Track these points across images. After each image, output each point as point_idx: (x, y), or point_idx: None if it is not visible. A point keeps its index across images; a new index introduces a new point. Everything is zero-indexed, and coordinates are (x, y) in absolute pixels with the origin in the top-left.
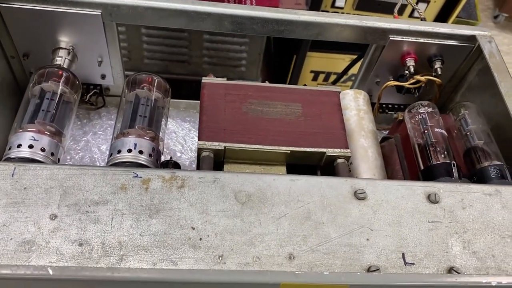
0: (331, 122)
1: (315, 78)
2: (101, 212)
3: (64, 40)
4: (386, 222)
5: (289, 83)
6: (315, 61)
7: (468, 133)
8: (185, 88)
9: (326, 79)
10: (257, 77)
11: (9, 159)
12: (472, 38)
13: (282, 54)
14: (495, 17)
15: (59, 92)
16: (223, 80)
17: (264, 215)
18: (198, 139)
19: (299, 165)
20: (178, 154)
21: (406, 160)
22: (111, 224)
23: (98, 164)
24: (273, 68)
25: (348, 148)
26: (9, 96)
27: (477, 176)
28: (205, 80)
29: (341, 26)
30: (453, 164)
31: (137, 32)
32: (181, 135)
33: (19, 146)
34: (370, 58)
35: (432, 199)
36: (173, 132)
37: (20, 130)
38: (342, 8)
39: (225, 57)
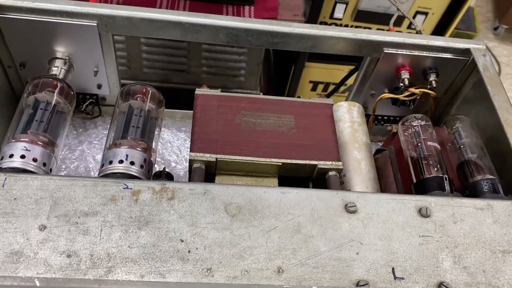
0: (324, 135)
1: (314, 88)
2: (90, 224)
3: (61, 50)
4: (377, 236)
5: (287, 93)
6: (314, 71)
7: (462, 146)
8: (183, 97)
9: (325, 89)
10: (256, 87)
11: (1, 169)
12: (467, 51)
13: (281, 64)
14: (495, 28)
15: (53, 102)
16: (217, 92)
17: (254, 228)
18: (190, 151)
19: (291, 177)
20: (173, 164)
21: (400, 172)
22: (100, 236)
23: (92, 174)
24: (272, 78)
25: (340, 161)
26: (5, 105)
27: (469, 190)
28: (198, 91)
29: (335, 38)
30: (445, 178)
31: (136, 41)
32: (176, 145)
33: (11, 156)
34: (365, 71)
35: (423, 213)
36: (168, 142)
37: (13, 140)
38: (340, 19)
39: (224, 67)
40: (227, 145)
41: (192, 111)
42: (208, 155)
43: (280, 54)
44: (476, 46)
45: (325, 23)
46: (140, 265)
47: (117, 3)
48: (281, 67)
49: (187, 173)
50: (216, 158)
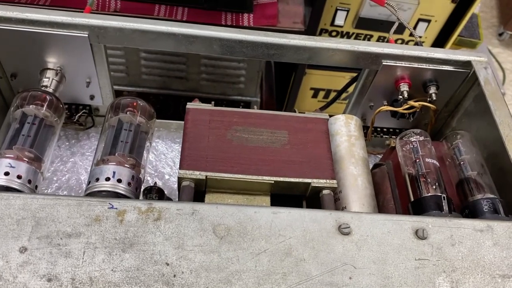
0: (318, 151)
1: (315, 95)
2: (73, 245)
3: (52, 61)
4: (371, 259)
5: (288, 100)
6: (315, 78)
7: (462, 162)
8: (183, 104)
9: (326, 96)
10: (256, 94)
11: None
12: (467, 64)
13: (282, 71)
14: (500, 34)
15: (40, 116)
16: (209, 106)
17: (243, 250)
18: (179, 168)
19: (284, 195)
20: (167, 177)
21: (398, 188)
22: (83, 258)
23: (84, 186)
24: (272, 85)
25: (334, 179)
26: None
27: (469, 209)
28: (189, 105)
29: (332, 50)
30: (443, 197)
31: (135, 48)
32: (170, 157)
33: None
34: (363, 82)
35: (420, 235)
36: (162, 154)
37: None
38: (341, 26)
39: (223, 74)
40: (218, 162)
41: None
42: (198, 172)
43: (281, 62)
44: (477, 59)
45: (326, 30)
46: None
47: (115, 10)
48: (282, 74)
49: None
50: (206, 176)
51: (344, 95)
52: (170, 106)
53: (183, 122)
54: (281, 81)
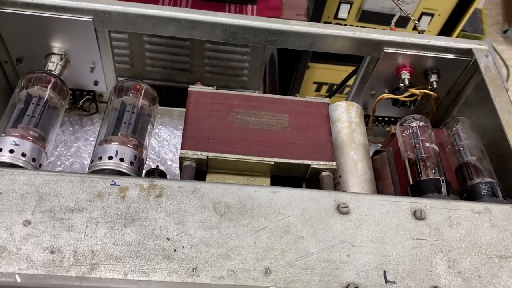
0: (318, 134)
1: (318, 89)
2: (75, 220)
3: (57, 45)
4: (369, 238)
5: (290, 94)
6: (319, 72)
7: (461, 148)
8: (186, 96)
9: (329, 90)
10: (259, 87)
11: None
12: (469, 52)
13: (285, 64)
14: (504, 31)
15: (45, 97)
16: (210, 89)
17: (243, 227)
18: (181, 148)
19: (284, 177)
20: (169, 163)
21: (397, 174)
22: (85, 232)
23: (74, 171)
24: (276, 79)
25: (334, 161)
26: (2, 100)
27: (468, 193)
28: (192, 88)
29: (333, 37)
30: (442, 180)
31: (139, 39)
32: (172, 143)
33: (0, 150)
34: (364, 70)
35: (418, 215)
36: (165, 140)
37: (3, 135)
38: (345, 19)
39: (227, 66)
40: (219, 143)
41: None
42: (199, 152)
43: (285, 55)
44: (479, 47)
45: (330, 23)
46: (124, 263)
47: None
48: (285, 68)
49: None
50: (207, 156)
51: (346, 89)
52: (174, 98)
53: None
54: (284, 75)
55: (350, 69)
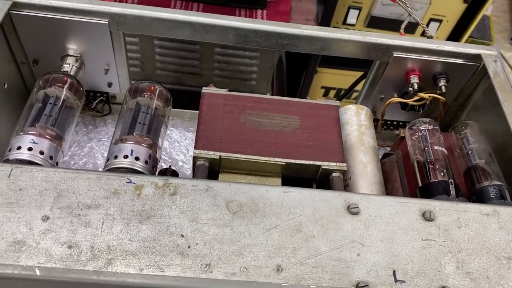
0: (329, 136)
1: (326, 94)
2: (92, 216)
3: (72, 47)
4: (378, 238)
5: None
6: (326, 77)
7: (470, 152)
8: (195, 99)
9: (337, 95)
10: (267, 91)
11: (8, 161)
12: (478, 57)
13: (293, 69)
14: None
15: (62, 97)
16: (223, 91)
17: (255, 225)
18: (194, 148)
19: (295, 177)
20: (180, 164)
21: (406, 177)
22: (102, 228)
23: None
24: (284, 83)
25: (344, 162)
26: (17, 100)
27: (476, 195)
28: (205, 90)
29: (344, 41)
30: (451, 182)
31: (150, 43)
32: (184, 144)
33: (18, 148)
34: (374, 74)
35: (427, 216)
36: (176, 142)
37: (21, 133)
38: (353, 25)
39: (236, 70)
40: (232, 143)
41: None
42: (212, 152)
43: (293, 59)
44: (487, 52)
45: (332, 28)
46: (140, 258)
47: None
48: (293, 72)
49: None
50: (220, 156)
51: (354, 94)
52: (183, 101)
53: (197, 111)
54: (292, 79)
55: (358, 74)
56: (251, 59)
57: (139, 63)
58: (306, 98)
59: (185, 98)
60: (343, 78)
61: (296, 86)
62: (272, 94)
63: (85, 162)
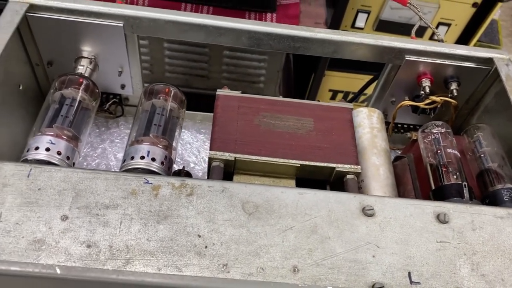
0: (342, 138)
1: (333, 97)
2: (110, 216)
3: (87, 49)
4: (393, 239)
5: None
6: (334, 80)
7: (482, 155)
8: (203, 102)
9: (344, 98)
10: (275, 94)
11: (26, 161)
12: (489, 61)
13: (301, 72)
14: None
15: (78, 98)
16: (237, 93)
17: (271, 226)
18: (210, 149)
19: (309, 179)
20: (192, 165)
21: (418, 180)
22: (120, 228)
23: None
24: (291, 86)
25: (358, 165)
26: (32, 101)
27: (489, 198)
28: (219, 92)
29: (356, 44)
30: (464, 185)
31: (159, 46)
32: (195, 146)
33: (36, 148)
34: (385, 78)
35: (441, 219)
36: (188, 143)
37: (39, 134)
38: (362, 28)
39: (244, 73)
40: (246, 144)
41: (211, 114)
42: (227, 154)
43: (301, 62)
44: (499, 56)
45: (344, 31)
46: (158, 258)
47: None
48: (301, 75)
49: (205, 174)
50: (235, 157)
51: (362, 97)
52: (191, 103)
53: (208, 113)
54: (299, 82)
55: (365, 77)
56: (260, 62)
57: (148, 65)
58: (319, 100)
59: (193, 101)
60: (350, 81)
61: (304, 89)
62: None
63: (98, 163)
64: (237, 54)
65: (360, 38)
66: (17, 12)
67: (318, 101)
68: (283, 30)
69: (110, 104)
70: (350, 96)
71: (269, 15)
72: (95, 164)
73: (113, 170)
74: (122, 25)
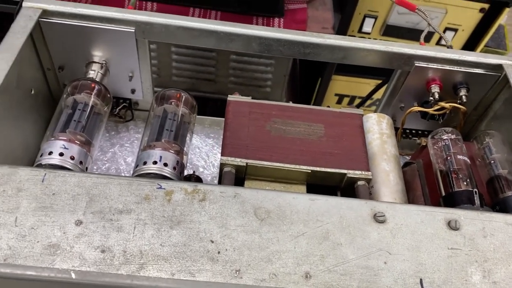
0: (353, 144)
1: (339, 101)
2: (124, 221)
3: (98, 54)
4: (405, 246)
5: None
6: (340, 84)
7: (492, 161)
8: (209, 106)
9: (350, 103)
10: (282, 98)
11: (40, 165)
12: (499, 67)
13: (307, 76)
14: None
15: (90, 103)
16: (248, 99)
17: (283, 232)
18: (221, 155)
19: (319, 185)
20: (201, 169)
21: (427, 186)
22: (133, 233)
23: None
24: (297, 90)
25: (369, 171)
26: (43, 106)
27: (499, 205)
28: (230, 98)
29: (366, 50)
30: (475, 192)
31: (167, 50)
32: (204, 150)
33: (50, 153)
34: (395, 83)
35: (452, 225)
36: (196, 148)
37: (52, 138)
38: (369, 33)
39: (251, 77)
40: (258, 150)
41: (220, 118)
42: (238, 159)
43: (306, 67)
44: (509, 62)
45: (353, 37)
46: (171, 263)
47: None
48: (307, 79)
49: (214, 178)
50: (247, 163)
51: (368, 102)
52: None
53: (216, 118)
54: (306, 87)
55: (371, 82)
56: (266, 66)
57: (156, 69)
58: (321, 106)
59: (200, 104)
60: (356, 86)
61: (309, 93)
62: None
63: (108, 167)
64: (244, 58)
65: (370, 44)
66: (30, 18)
67: (328, 107)
68: (293, 36)
69: (120, 109)
70: (357, 100)
71: (276, 20)
72: (105, 168)
73: (122, 174)
74: (133, 30)
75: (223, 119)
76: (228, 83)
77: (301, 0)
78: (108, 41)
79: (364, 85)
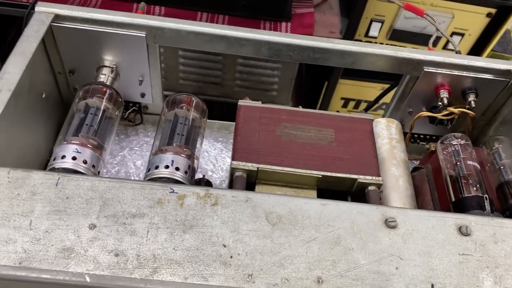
0: (364, 149)
1: (345, 105)
2: (137, 225)
3: (109, 59)
4: (416, 251)
5: (319, 109)
6: (346, 88)
7: (502, 167)
8: (216, 109)
9: (356, 107)
10: (288, 102)
11: (53, 169)
12: (508, 73)
13: (313, 80)
14: None
15: (102, 108)
16: (259, 104)
17: (294, 237)
18: (232, 159)
19: (330, 190)
20: (210, 173)
21: (436, 191)
22: (147, 237)
23: (132, 179)
24: (303, 94)
25: (380, 176)
26: (54, 109)
27: (510, 211)
28: (241, 102)
29: (376, 56)
30: (486, 197)
31: (174, 54)
32: (213, 154)
33: (63, 157)
34: (403, 88)
35: (463, 231)
36: (205, 152)
37: (65, 142)
38: (375, 37)
39: (257, 81)
40: (269, 155)
41: (228, 122)
42: (249, 164)
43: (312, 70)
44: None
45: (360, 41)
46: (184, 267)
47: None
48: (312, 83)
49: (223, 182)
50: (258, 168)
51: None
52: None
53: (225, 122)
54: (311, 91)
55: (378, 85)
56: (273, 70)
57: (163, 73)
58: (327, 110)
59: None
60: (362, 90)
61: (315, 97)
62: (293, 105)
63: (117, 171)
64: (250, 62)
65: (380, 49)
66: (43, 22)
67: (338, 111)
68: (303, 41)
69: (129, 112)
70: (362, 104)
71: (284, 24)
72: (114, 172)
73: (132, 177)
74: (144, 35)
75: (232, 123)
76: (235, 87)
77: (309, 4)
78: (119, 45)
79: (370, 89)
